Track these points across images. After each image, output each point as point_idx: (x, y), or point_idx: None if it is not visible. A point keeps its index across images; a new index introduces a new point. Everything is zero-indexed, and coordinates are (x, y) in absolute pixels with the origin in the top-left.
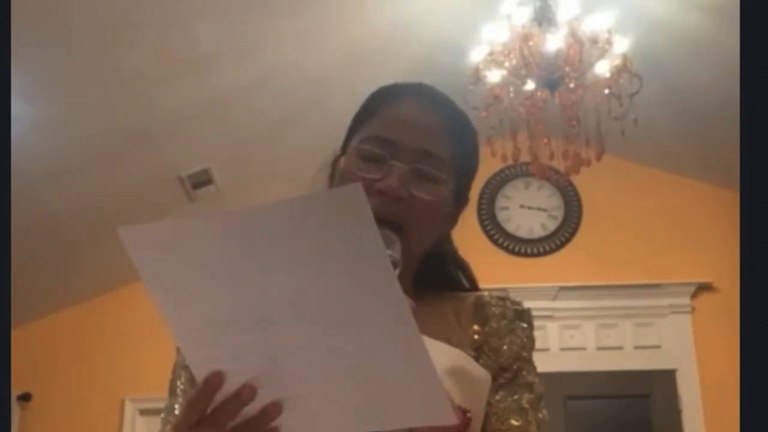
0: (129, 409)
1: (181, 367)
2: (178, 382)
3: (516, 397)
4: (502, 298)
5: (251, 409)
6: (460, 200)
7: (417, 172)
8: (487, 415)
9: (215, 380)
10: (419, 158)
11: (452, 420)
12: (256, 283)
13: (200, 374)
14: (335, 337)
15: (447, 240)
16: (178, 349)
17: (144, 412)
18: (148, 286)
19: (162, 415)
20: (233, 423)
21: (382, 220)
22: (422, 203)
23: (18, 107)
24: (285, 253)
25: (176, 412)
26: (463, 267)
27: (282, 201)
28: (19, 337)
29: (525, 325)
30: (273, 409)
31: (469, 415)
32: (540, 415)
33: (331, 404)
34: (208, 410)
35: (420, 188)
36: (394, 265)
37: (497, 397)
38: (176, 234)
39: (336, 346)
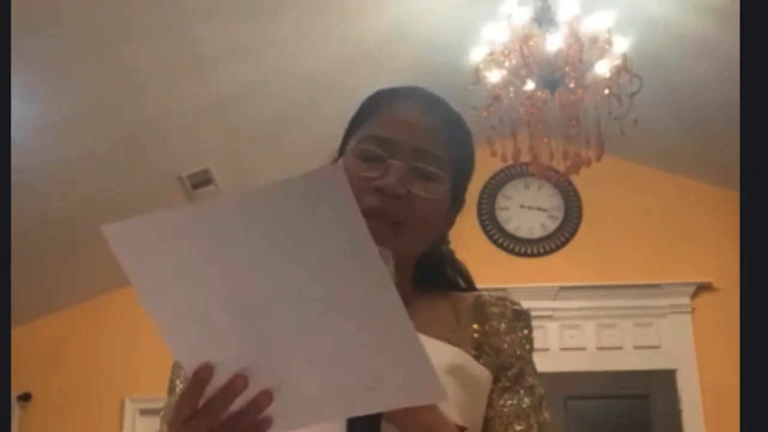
0: (129, 409)
1: (180, 366)
2: (177, 381)
3: (518, 401)
4: (501, 298)
5: (242, 399)
6: (456, 202)
7: (415, 170)
8: (489, 419)
9: (205, 373)
10: (417, 157)
11: (442, 398)
12: (241, 271)
13: (190, 367)
14: (323, 320)
15: (444, 241)
16: None
17: (144, 412)
18: (133, 282)
19: (162, 414)
20: (226, 414)
21: (380, 218)
22: (420, 201)
23: (18, 107)
24: (268, 238)
25: None
26: (460, 269)
27: (262, 187)
28: (19, 337)
29: (524, 326)
30: (263, 399)
31: None
32: (542, 418)
33: (322, 389)
34: (201, 402)
35: (418, 186)
36: None
37: (500, 402)
38: (158, 227)
39: (324, 330)
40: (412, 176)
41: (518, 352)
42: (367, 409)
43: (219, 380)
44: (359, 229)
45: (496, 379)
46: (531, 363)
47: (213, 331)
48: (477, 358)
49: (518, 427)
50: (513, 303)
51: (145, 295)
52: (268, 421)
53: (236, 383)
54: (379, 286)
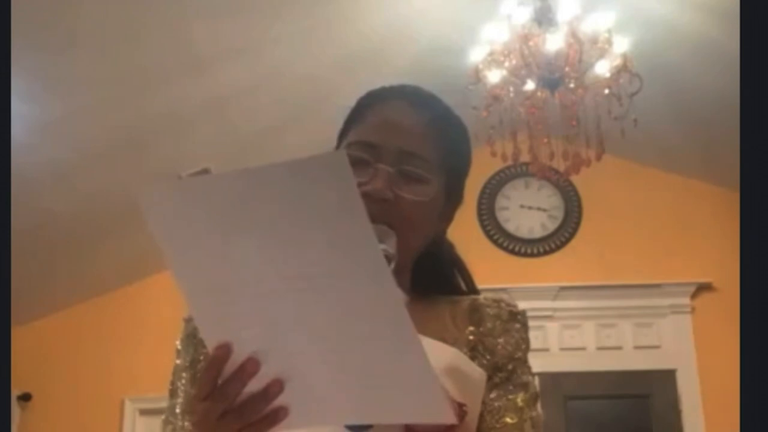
0: (129, 409)
1: (181, 369)
2: (179, 383)
3: (511, 396)
4: (497, 300)
5: (256, 386)
6: (452, 198)
7: (403, 173)
8: (482, 414)
9: (221, 353)
10: (404, 160)
11: (451, 419)
12: (250, 249)
13: (211, 344)
14: (327, 313)
15: (442, 239)
16: (178, 351)
17: (144, 412)
18: (163, 248)
19: (163, 416)
20: (240, 399)
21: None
22: (408, 204)
23: (18, 107)
24: (274, 219)
25: (177, 411)
26: (459, 265)
27: (267, 166)
28: (19, 337)
29: (519, 326)
30: (274, 387)
31: (465, 408)
32: (534, 413)
33: (331, 388)
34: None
35: (406, 189)
36: (389, 259)
37: (492, 396)
38: (181, 192)
39: (329, 324)
40: (400, 179)
41: (512, 353)
42: (376, 419)
43: (237, 361)
44: (359, 216)
45: (490, 378)
46: (526, 362)
47: (233, 311)
48: (472, 359)
49: (510, 421)
50: (508, 304)
51: (175, 266)
52: (284, 412)
53: (248, 366)
54: (377, 276)
